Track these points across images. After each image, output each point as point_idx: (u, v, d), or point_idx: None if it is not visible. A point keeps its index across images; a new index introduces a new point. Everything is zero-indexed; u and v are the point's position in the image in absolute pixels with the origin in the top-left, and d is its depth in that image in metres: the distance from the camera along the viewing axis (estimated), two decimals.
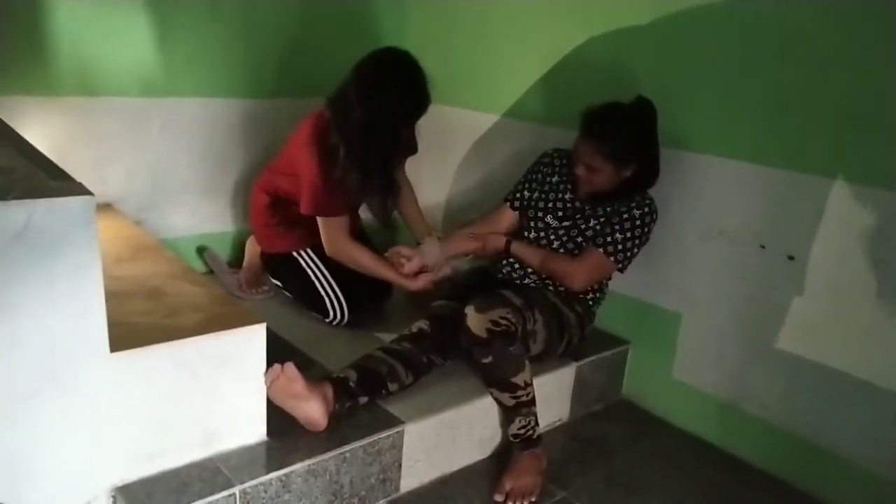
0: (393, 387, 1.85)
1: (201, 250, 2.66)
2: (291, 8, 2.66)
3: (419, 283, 2.16)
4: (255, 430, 1.62)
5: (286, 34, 2.67)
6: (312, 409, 1.66)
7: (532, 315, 1.98)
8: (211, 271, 2.62)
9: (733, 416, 2.16)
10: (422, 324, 2.03)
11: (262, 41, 2.61)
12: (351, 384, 1.77)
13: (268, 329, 1.59)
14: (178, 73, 2.44)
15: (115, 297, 1.59)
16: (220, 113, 2.59)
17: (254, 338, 1.56)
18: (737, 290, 2.11)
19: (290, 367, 1.61)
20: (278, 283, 2.44)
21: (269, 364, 1.61)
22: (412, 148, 2.36)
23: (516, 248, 2.17)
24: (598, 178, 2.03)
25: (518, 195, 2.26)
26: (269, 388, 1.61)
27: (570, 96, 2.46)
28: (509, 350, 1.86)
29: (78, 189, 1.28)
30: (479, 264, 2.40)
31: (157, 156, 2.49)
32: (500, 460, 1.97)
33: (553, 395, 2.17)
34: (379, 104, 2.05)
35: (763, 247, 2.03)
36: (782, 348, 2.03)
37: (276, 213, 2.32)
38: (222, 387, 1.54)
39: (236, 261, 2.71)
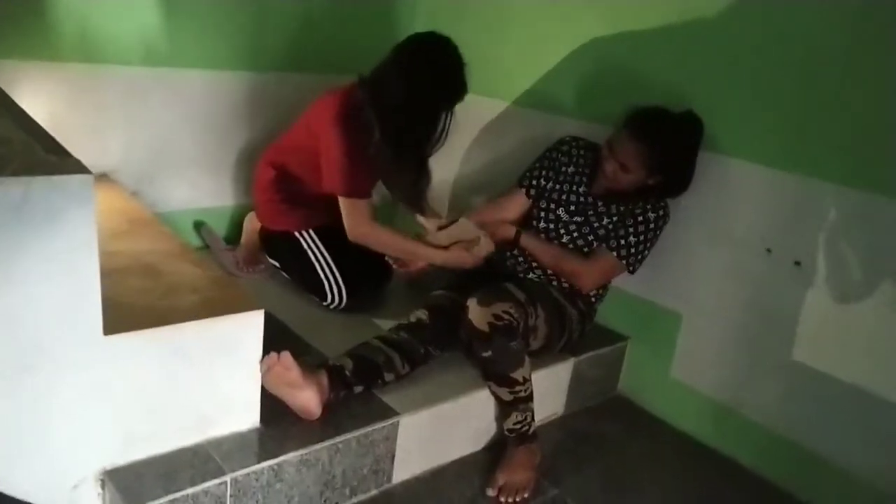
0: (389, 377, 1.82)
1: (198, 225, 2.62)
2: None
3: (456, 255, 2.11)
4: (248, 417, 1.59)
5: (295, 9, 2.61)
6: (307, 398, 1.63)
7: (534, 310, 1.95)
8: (206, 247, 2.58)
9: (730, 419, 2.14)
10: (420, 314, 2.00)
11: (270, 15, 2.55)
12: (347, 373, 1.74)
13: (264, 312, 1.55)
14: (183, 44, 2.38)
15: (110, 274, 1.55)
16: (225, 86, 2.53)
17: (251, 324, 1.53)
18: (740, 292, 2.08)
19: (286, 356, 1.57)
20: (276, 264, 2.40)
21: (266, 350, 1.58)
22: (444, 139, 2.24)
23: (526, 240, 2.13)
24: (625, 179, 2.00)
25: (534, 182, 2.21)
26: (264, 376, 1.58)
27: (583, 88, 2.42)
28: (510, 345, 1.84)
29: (76, 166, 1.24)
30: None
31: (158, 127, 2.43)
32: (494, 453, 1.95)
33: (550, 389, 2.15)
34: (419, 85, 2.02)
35: (769, 251, 2.00)
36: (783, 354, 2.00)
37: (281, 188, 2.27)
38: (216, 373, 1.51)
39: (233, 237, 2.67)
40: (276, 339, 1.62)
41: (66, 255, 1.22)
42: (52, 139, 1.41)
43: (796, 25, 1.88)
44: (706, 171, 2.09)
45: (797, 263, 1.95)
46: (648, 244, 2.07)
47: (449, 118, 2.10)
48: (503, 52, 2.64)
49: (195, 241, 2.61)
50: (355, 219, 2.13)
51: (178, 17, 2.33)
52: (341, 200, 2.13)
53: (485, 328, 1.82)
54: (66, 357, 1.30)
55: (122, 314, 1.41)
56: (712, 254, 2.13)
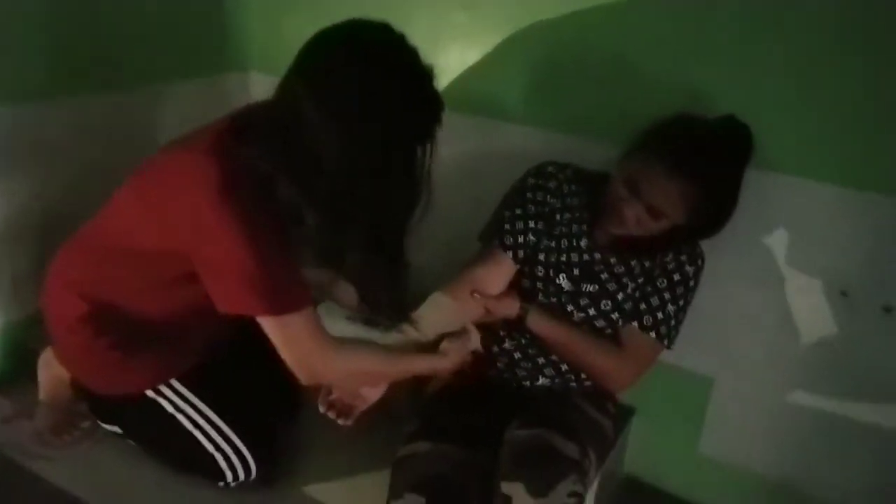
0: None
1: None
2: None
3: (455, 356, 1.37)
4: None
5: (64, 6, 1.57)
6: None
7: (588, 459, 1.29)
8: None
9: (789, 501, 1.68)
10: (415, 502, 1.23)
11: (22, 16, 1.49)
12: None
13: None
14: None
15: None
16: None
17: None
18: (802, 347, 1.57)
19: None
20: (115, 429, 1.45)
21: None
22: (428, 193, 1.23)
23: (537, 323, 1.43)
24: (654, 227, 1.34)
25: (520, 238, 1.45)
26: None
27: (529, 82, 1.70)
28: None
29: None
30: None
31: None
32: None
33: None
34: (373, 122, 1.09)
35: (844, 294, 1.49)
36: (869, 418, 1.55)
37: (107, 330, 1.30)
38: None
39: (9, 373, 1.64)
40: None
41: None
42: None
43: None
44: (749, 193, 1.49)
45: (888, 310, 1.46)
46: (687, 307, 1.48)
47: (428, 156, 1.19)
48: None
49: None
50: (303, 348, 1.21)
51: None
52: (268, 326, 1.19)
53: None
54: None
55: None
56: (757, 300, 1.58)
